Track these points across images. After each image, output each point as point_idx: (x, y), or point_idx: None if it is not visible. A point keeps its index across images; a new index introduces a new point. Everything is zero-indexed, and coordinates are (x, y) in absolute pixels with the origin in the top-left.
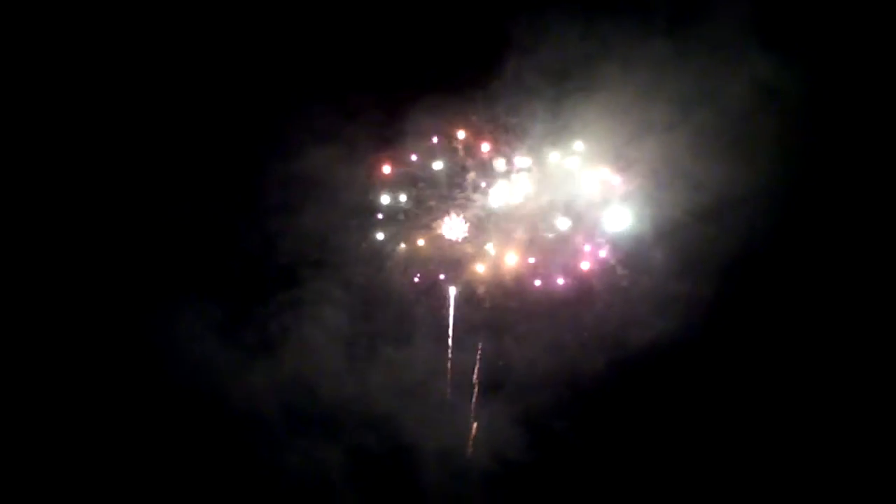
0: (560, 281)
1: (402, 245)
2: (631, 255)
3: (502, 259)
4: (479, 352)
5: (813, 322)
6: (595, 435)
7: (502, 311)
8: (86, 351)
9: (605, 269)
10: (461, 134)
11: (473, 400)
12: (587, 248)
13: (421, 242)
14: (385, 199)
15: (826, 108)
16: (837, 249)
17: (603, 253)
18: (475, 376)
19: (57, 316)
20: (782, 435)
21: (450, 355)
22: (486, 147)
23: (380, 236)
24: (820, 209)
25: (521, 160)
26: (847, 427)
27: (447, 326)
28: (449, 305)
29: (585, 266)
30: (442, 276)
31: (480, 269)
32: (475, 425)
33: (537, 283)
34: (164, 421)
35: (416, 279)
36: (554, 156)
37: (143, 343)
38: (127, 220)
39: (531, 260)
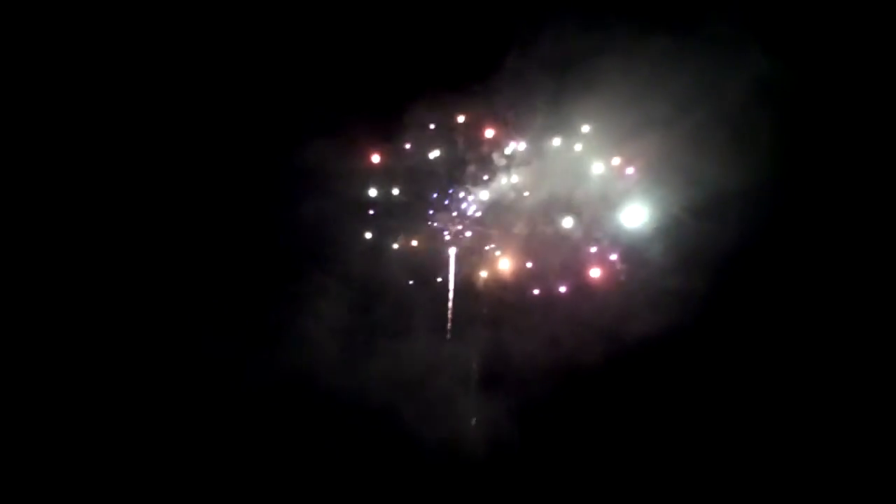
0: (562, 289)
1: (401, 238)
2: (630, 250)
3: (502, 255)
4: (479, 345)
5: (811, 317)
6: (591, 428)
7: (501, 307)
8: (86, 345)
9: (607, 267)
10: (461, 118)
11: (472, 392)
12: (593, 249)
13: (415, 242)
14: (381, 193)
15: (827, 105)
16: (837, 246)
17: (613, 256)
18: (474, 368)
19: (57, 310)
20: (781, 430)
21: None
22: (488, 133)
23: (375, 231)
24: (819, 206)
25: (522, 152)
26: (845, 424)
27: (445, 320)
28: (447, 300)
29: (596, 273)
30: (439, 278)
31: (480, 265)
32: (474, 418)
33: (536, 291)
34: (162, 414)
35: (412, 281)
36: (556, 147)
37: (139, 334)
38: (124, 215)
39: (529, 265)
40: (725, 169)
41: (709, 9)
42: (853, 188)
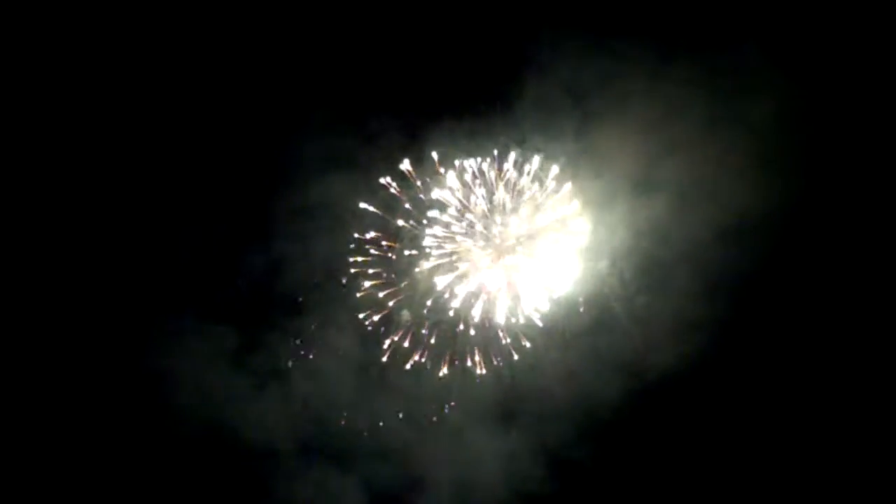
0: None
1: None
2: (651, 279)
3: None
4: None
5: (832, 344)
6: (614, 463)
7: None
8: (90, 378)
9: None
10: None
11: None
12: None
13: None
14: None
15: (848, 128)
16: (857, 269)
17: None
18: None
19: (62, 340)
20: (801, 458)
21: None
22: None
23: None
24: (841, 230)
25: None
26: (866, 453)
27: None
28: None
29: None
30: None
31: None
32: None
33: None
34: (170, 451)
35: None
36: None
37: (148, 370)
38: (135, 240)
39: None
40: (747, 194)
41: (730, 33)
42: (875, 212)
